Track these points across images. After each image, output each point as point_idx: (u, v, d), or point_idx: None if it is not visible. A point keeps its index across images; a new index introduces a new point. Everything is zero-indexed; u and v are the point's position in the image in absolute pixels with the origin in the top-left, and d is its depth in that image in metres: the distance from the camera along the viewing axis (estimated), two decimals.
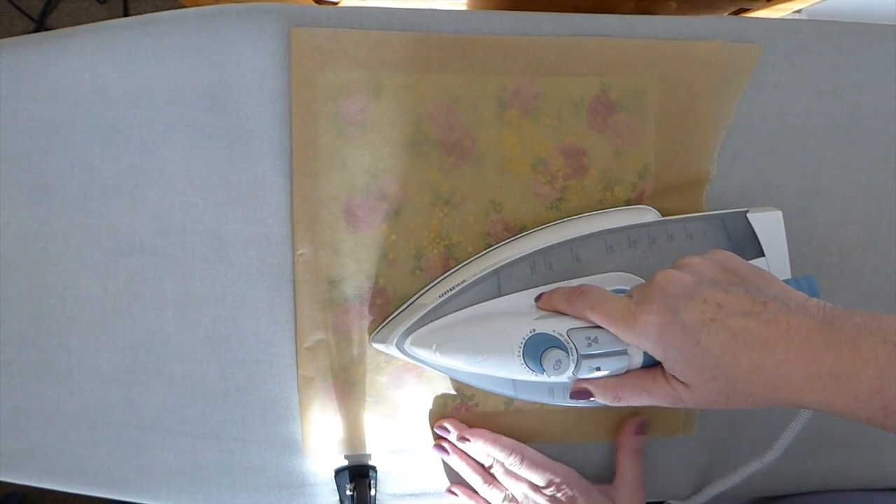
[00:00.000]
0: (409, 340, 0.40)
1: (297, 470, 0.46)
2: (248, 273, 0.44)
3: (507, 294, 0.41)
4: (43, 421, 0.44)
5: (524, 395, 0.41)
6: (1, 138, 0.42)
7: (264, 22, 0.42)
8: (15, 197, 0.43)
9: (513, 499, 0.44)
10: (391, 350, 0.42)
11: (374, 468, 0.47)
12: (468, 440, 0.45)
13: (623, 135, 0.45)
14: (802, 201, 0.48)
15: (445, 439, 0.46)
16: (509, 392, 0.41)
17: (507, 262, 0.42)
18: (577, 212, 0.46)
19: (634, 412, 0.48)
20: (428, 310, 0.41)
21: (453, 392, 0.47)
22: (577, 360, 0.37)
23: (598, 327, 0.37)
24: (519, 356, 0.38)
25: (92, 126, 0.43)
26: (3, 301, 0.43)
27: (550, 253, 0.42)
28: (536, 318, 0.39)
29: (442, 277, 0.45)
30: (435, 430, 0.46)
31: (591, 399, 0.39)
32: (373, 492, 0.46)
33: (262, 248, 0.44)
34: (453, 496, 0.47)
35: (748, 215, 0.43)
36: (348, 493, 0.46)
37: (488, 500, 0.45)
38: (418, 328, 0.41)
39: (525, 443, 0.46)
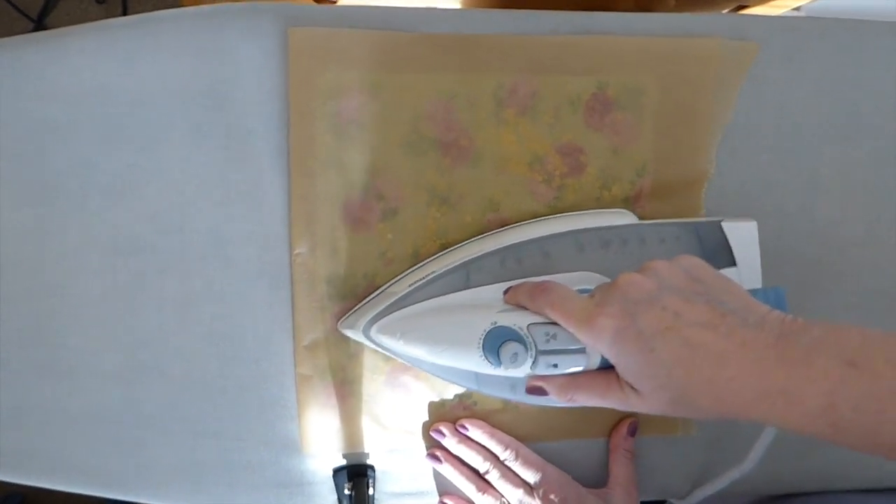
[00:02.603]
0: (375, 328, 0.41)
1: (296, 469, 0.46)
2: (247, 272, 0.44)
3: (475, 287, 0.41)
4: (43, 420, 0.44)
5: (486, 390, 0.41)
6: (0, 137, 0.42)
7: (263, 21, 0.42)
8: (15, 196, 0.43)
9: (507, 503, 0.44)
10: (357, 336, 0.42)
11: (372, 467, 0.47)
12: (466, 428, 0.46)
13: (620, 133, 0.45)
14: (801, 199, 0.48)
15: (439, 447, 0.46)
16: (472, 385, 0.41)
17: (477, 255, 0.42)
18: (575, 210, 0.46)
19: (628, 414, 0.48)
20: (396, 298, 0.41)
21: (451, 391, 0.47)
22: (535, 356, 0.37)
23: (558, 324, 0.37)
24: (479, 348, 0.38)
25: (91, 125, 0.43)
26: (2, 300, 0.43)
27: (521, 249, 0.42)
28: (499, 312, 0.39)
29: (414, 268, 0.45)
30: (431, 433, 0.46)
31: (547, 397, 0.39)
32: (371, 491, 0.46)
33: (261, 246, 0.44)
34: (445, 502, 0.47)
35: (723, 224, 0.43)
36: (346, 492, 0.46)
37: None
38: (385, 316, 0.41)
39: (522, 442, 0.46)
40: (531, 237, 0.42)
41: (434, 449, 0.47)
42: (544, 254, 0.42)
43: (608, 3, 0.63)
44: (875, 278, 0.50)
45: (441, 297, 0.41)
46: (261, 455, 0.46)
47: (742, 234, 0.43)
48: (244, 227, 0.44)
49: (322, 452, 0.46)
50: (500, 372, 0.39)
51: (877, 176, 0.49)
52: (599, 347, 0.34)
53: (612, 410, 0.47)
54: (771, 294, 0.39)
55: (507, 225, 0.45)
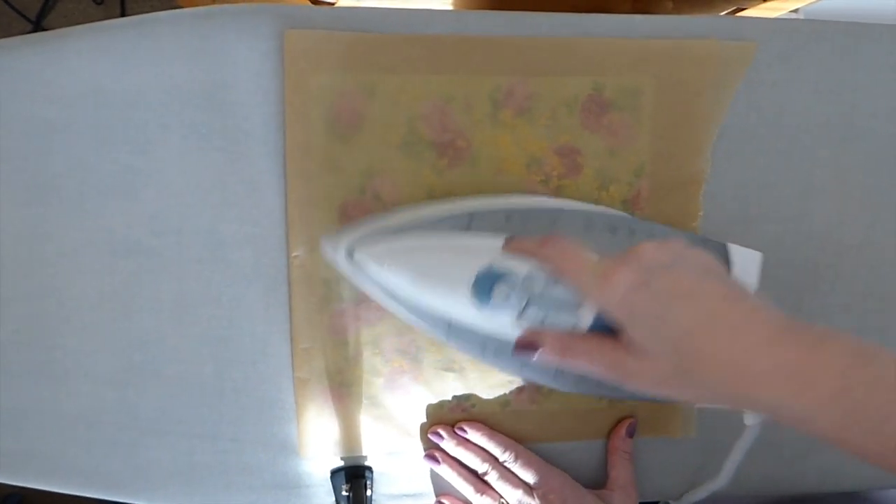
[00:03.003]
0: (361, 249, 0.40)
1: (294, 471, 0.46)
2: (244, 274, 0.44)
3: (475, 232, 0.40)
4: (39, 422, 0.44)
5: (455, 342, 0.40)
6: None
7: (259, 22, 0.42)
8: (11, 197, 0.43)
9: None
10: (336, 256, 0.41)
11: (370, 469, 0.47)
12: (465, 430, 0.46)
13: (617, 134, 0.45)
14: (798, 201, 0.48)
15: (437, 448, 0.46)
16: (441, 335, 0.40)
17: (483, 207, 0.41)
18: None
19: (627, 415, 0.48)
20: (389, 224, 0.40)
21: (450, 394, 0.47)
22: (527, 302, 0.36)
23: (557, 279, 0.36)
24: (468, 286, 0.37)
25: (88, 126, 0.43)
26: None
27: (530, 213, 0.41)
28: (497, 256, 0.38)
29: (411, 207, 0.43)
30: (429, 436, 0.46)
31: (532, 354, 0.36)
32: (369, 492, 0.46)
33: (258, 249, 0.44)
34: None
35: (729, 246, 0.43)
36: (344, 493, 0.46)
37: None
38: (373, 240, 0.40)
39: (521, 443, 0.46)
40: (542, 206, 0.42)
41: (432, 450, 0.47)
42: (552, 221, 0.41)
43: (605, 5, 0.63)
44: (872, 281, 0.50)
45: (437, 234, 0.40)
46: (258, 457, 0.46)
47: (745, 261, 0.43)
48: (241, 229, 0.44)
49: (320, 455, 0.46)
50: (482, 316, 0.37)
51: (873, 179, 0.49)
52: (608, 305, 0.33)
53: (609, 411, 0.48)
54: None
55: None
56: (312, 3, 0.64)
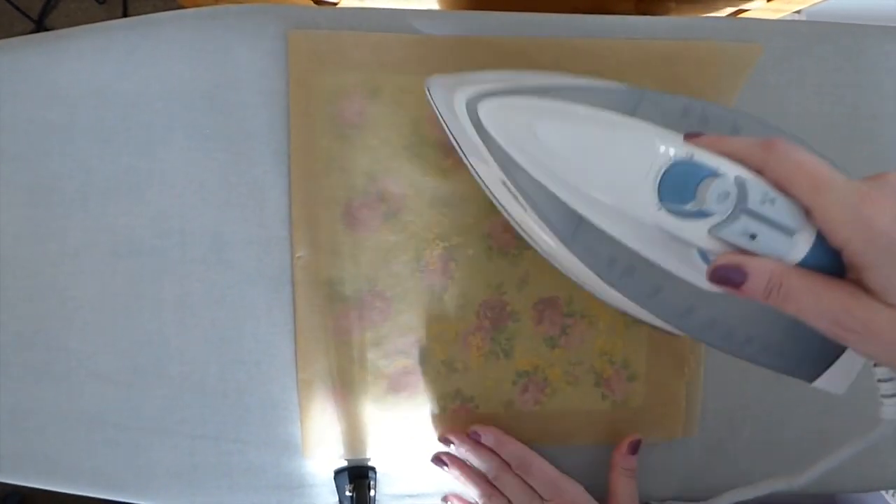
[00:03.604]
0: (492, 101, 0.30)
1: (297, 471, 0.46)
2: (248, 275, 0.44)
3: (643, 119, 0.31)
4: (42, 422, 0.44)
5: (573, 248, 0.31)
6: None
7: (263, 22, 0.42)
8: (13, 198, 0.43)
9: None
10: (452, 104, 0.31)
11: (373, 469, 0.47)
12: (479, 435, 0.45)
13: None
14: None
15: (446, 452, 0.46)
16: (555, 238, 0.31)
17: (656, 92, 0.32)
18: None
19: (629, 434, 0.46)
20: (531, 84, 0.31)
21: (454, 394, 0.47)
22: (736, 212, 0.28)
23: (779, 192, 0.28)
24: (656, 175, 0.28)
25: (90, 127, 0.43)
26: (1, 302, 0.43)
27: (710, 109, 0.32)
28: (693, 149, 0.29)
29: (548, 73, 0.35)
30: (439, 441, 0.46)
31: (733, 283, 0.28)
32: (372, 493, 0.46)
33: (262, 249, 0.44)
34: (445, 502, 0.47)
35: None
36: (348, 493, 0.46)
37: None
38: (510, 95, 0.30)
39: (526, 444, 0.46)
40: (722, 109, 0.33)
41: (440, 454, 0.46)
42: (735, 129, 0.32)
43: (608, 7, 0.63)
44: None
45: (597, 109, 0.30)
46: (261, 457, 0.46)
47: None
48: (245, 229, 0.44)
49: (323, 456, 0.46)
50: (659, 216, 0.29)
51: None
52: (863, 236, 0.26)
53: (613, 413, 0.48)
54: None
55: (509, 227, 0.45)
56: (316, 3, 0.64)
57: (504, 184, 0.31)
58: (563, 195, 0.30)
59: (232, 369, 0.45)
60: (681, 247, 0.30)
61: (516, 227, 0.33)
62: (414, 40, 0.43)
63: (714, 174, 0.28)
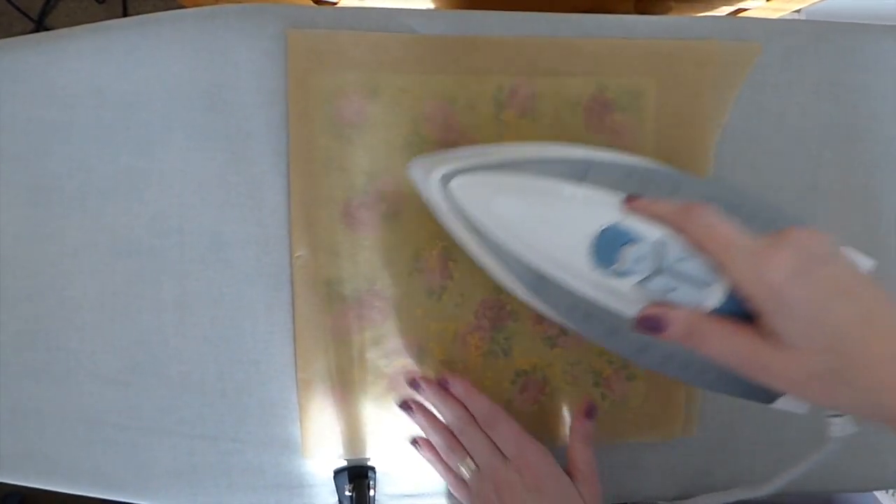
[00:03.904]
0: (460, 178, 0.35)
1: (296, 471, 0.46)
2: (246, 274, 0.44)
3: (591, 185, 0.35)
4: (41, 422, 0.44)
5: (539, 299, 0.36)
6: None
7: (262, 22, 0.42)
8: (12, 198, 0.43)
9: (475, 466, 0.42)
10: (428, 182, 0.36)
11: (373, 469, 0.47)
12: (448, 383, 0.44)
13: (621, 134, 0.45)
14: (801, 202, 0.48)
15: (413, 398, 0.45)
16: (524, 289, 0.36)
17: (602, 160, 0.36)
18: None
19: (589, 403, 0.45)
20: (494, 160, 0.36)
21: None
22: (656, 270, 0.33)
23: (692, 251, 0.33)
24: (589, 240, 0.33)
25: (90, 127, 0.43)
26: (0, 302, 0.43)
27: (653, 172, 0.37)
28: (621, 215, 0.34)
29: (515, 144, 0.40)
30: (407, 384, 0.45)
31: (655, 331, 0.33)
32: (372, 492, 0.46)
33: (261, 249, 0.44)
34: (416, 447, 0.45)
35: (842, 249, 0.40)
36: (347, 493, 0.46)
37: (450, 465, 0.43)
38: (476, 171, 0.35)
39: None
40: (664, 168, 0.38)
41: (407, 399, 0.45)
42: (674, 187, 0.36)
43: (607, 6, 0.63)
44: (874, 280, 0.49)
45: (550, 179, 0.35)
46: (260, 457, 0.46)
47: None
48: (244, 229, 0.44)
49: (323, 455, 0.46)
50: (592, 277, 0.34)
51: (876, 179, 0.49)
52: (760, 289, 0.30)
53: (612, 412, 0.48)
54: None
55: None
56: (315, 2, 0.64)
57: (478, 245, 0.36)
58: (524, 256, 0.35)
59: (231, 369, 0.45)
60: (629, 300, 0.35)
61: (495, 280, 0.38)
62: (413, 40, 0.43)
63: (634, 239, 0.33)
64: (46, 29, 1.22)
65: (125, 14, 1.24)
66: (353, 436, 0.46)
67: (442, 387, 0.44)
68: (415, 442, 0.46)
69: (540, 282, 0.36)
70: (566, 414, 0.48)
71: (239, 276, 0.44)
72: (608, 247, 0.33)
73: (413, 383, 0.45)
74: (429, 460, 0.45)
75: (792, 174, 0.48)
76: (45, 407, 0.44)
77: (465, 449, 0.43)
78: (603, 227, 0.34)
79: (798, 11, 0.62)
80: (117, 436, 0.45)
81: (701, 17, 0.47)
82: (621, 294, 0.34)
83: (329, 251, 0.44)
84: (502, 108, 0.44)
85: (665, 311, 0.33)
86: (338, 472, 0.47)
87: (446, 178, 0.36)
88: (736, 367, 0.32)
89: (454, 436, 0.43)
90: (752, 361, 0.31)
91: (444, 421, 0.44)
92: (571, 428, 0.45)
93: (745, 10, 0.61)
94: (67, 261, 0.43)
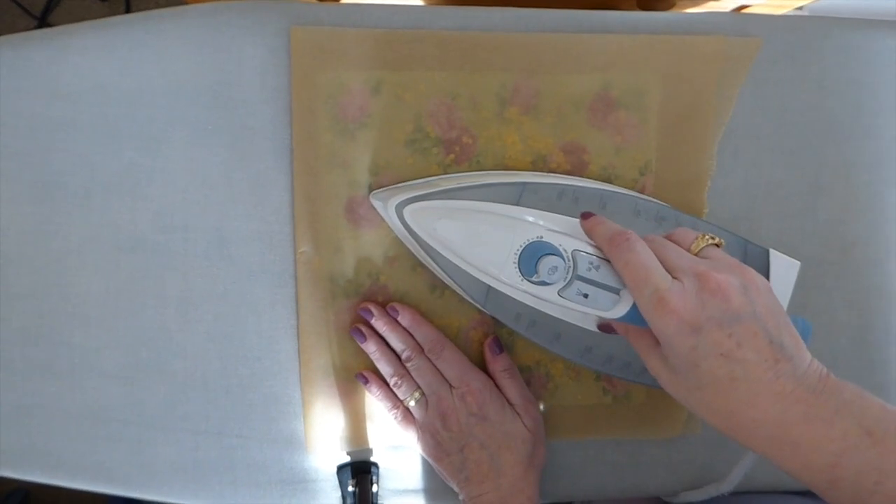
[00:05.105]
0: (411, 207, 0.41)
1: (299, 466, 0.47)
2: (250, 270, 0.45)
3: (525, 206, 0.41)
4: (45, 418, 0.44)
5: (490, 308, 0.43)
6: (3, 136, 0.42)
7: (266, 18, 0.42)
8: (17, 194, 0.43)
9: (421, 396, 0.44)
10: (387, 211, 0.42)
11: (376, 464, 0.47)
12: (396, 312, 0.44)
13: (623, 132, 0.45)
14: (804, 198, 0.48)
15: (366, 323, 0.45)
16: (478, 300, 0.42)
17: (536, 181, 0.42)
18: None
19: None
20: (441, 189, 0.41)
21: None
22: (571, 278, 0.37)
23: (604, 258, 0.37)
24: (515, 255, 0.39)
25: (93, 123, 0.43)
26: (5, 298, 0.43)
27: (581, 191, 0.42)
28: (546, 230, 0.39)
29: (460, 174, 0.45)
30: (358, 311, 0.45)
31: (610, 332, 0.40)
32: (375, 488, 0.46)
33: (264, 245, 0.44)
34: (363, 380, 0.45)
35: (770, 251, 0.44)
36: (350, 489, 0.46)
37: (397, 393, 0.44)
38: (425, 200, 0.41)
39: None
40: (593, 186, 0.43)
41: (358, 325, 0.45)
42: (602, 204, 0.42)
43: (610, 2, 0.63)
44: (876, 277, 0.50)
45: (488, 203, 0.41)
46: (264, 453, 0.46)
47: (784, 268, 0.44)
48: (247, 225, 0.44)
49: (326, 451, 0.46)
50: (523, 287, 0.38)
51: (878, 176, 0.49)
52: (655, 328, 0.34)
53: (614, 407, 0.48)
54: (800, 324, 0.38)
55: None
56: None
57: (434, 263, 0.42)
58: (471, 271, 0.40)
59: (234, 365, 0.45)
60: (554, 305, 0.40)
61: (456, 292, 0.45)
62: (416, 36, 0.43)
63: (550, 252, 0.38)
64: (49, 26, 1.22)
65: (128, 11, 1.24)
66: (357, 431, 0.46)
67: (391, 316, 0.45)
68: (363, 377, 0.46)
69: (488, 294, 0.42)
70: (569, 410, 0.48)
71: (242, 273, 0.44)
72: (529, 259, 0.38)
73: (364, 310, 0.45)
74: (376, 396, 0.45)
75: (793, 171, 0.48)
76: (48, 403, 0.44)
77: (412, 379, 0.44)
78: (527, 241, 0.39)
79: (801, 8, 0.62)
80: (121, 431, 0.45)
81: (704, 13, 0.47)
82: (551, 301, 0.38)
83: (332, 247, 0.44)
84: (505, 105, 0.44)
85: (618, 325, 0.39)
86: (341, 468, 0.47)
87: (400, 207, 0.41)
88: (650, 371, 0.37)
89: (402, 365, 0.44)
90: (653, 371, 0.36)
91: (393, 349, 0.45)
92: (490, 369, 0.46)
93: (748, 6, 0.61)
94: (71, 257, 0.44)
